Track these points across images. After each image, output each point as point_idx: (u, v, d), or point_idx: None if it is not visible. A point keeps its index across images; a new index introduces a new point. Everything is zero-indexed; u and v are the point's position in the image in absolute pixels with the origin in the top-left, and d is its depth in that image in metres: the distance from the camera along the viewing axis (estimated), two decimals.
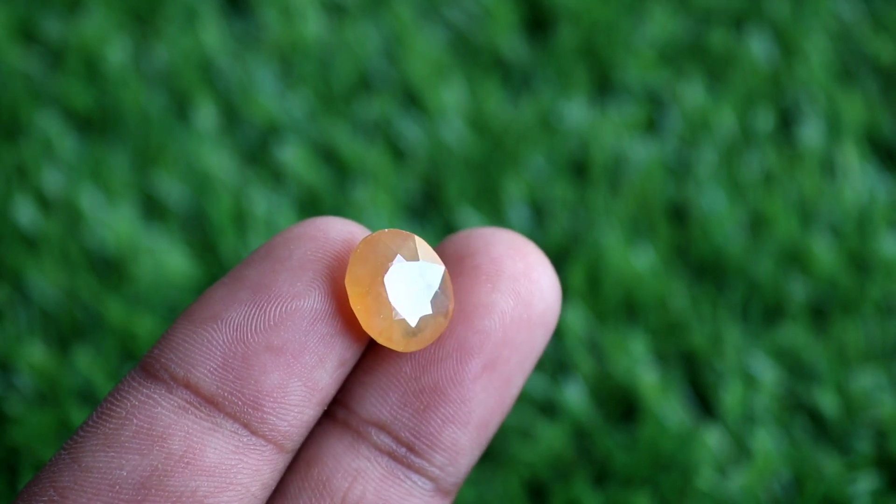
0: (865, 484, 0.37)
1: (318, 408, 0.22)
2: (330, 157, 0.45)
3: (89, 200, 0.43)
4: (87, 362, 0.40)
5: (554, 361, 0.40)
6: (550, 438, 0.38)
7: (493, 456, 0.39)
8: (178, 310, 0.41)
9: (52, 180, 0.44)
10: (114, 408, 0.22)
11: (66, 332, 0.41)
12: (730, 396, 0.39)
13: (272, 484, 0.22)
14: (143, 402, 0.22)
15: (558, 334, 0.41)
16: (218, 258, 0.43)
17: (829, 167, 0.44)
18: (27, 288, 0.42)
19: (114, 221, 0.43)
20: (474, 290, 0.22)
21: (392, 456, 0.23)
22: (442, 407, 0.22)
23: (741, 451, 0.38)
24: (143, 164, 0.44)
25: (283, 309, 0.21)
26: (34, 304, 0.41)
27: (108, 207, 0.43)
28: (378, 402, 0.23)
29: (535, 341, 0.23)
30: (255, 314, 0.22)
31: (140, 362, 0.22)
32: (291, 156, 0.44)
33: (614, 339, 0.40)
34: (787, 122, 0.46)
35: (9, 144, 0.45)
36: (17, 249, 0.42)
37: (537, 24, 0.48)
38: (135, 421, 0.21)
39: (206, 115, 0.45)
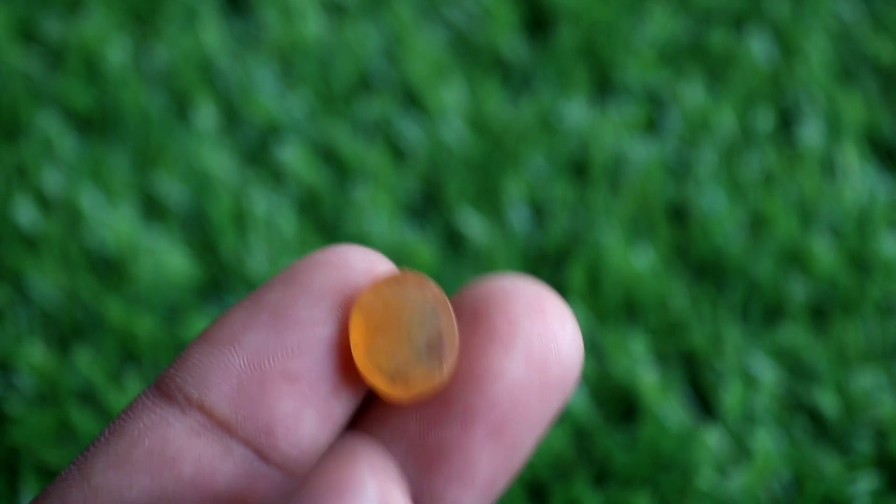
0: (865, 484, 0.37)
1: (331, 437, 0.22)
2: (330, 157, 0.45)
3: (89, 200, 0.43)
4: (87, 362, 0.40)
5: None
6: (550, 438, 0.38)
7: None
8: (179, 310, 0.41)
9: (51, 180, 0.44)
10: (126, 425, 0.22)
11: (66, 332, 0.41)
12: (730, 396, 0.39)
13: None
14: (157, 423, 0.21)
15: None
16: (218, 258, 0.43)
17: (829, 167, 0.44)
18: (27, 288, 0.42)
19: (114, 221, 0.43)
20: (486, 353, 0.22)
21: None
22: (446, 468, 0.22)
23: (741, 451, 0.38)
24: (143, 164, 0.44)
25: (301, 336, 0.21)
26: (34, 304, 0.41)
27: (108, 207, 0.43)
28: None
29: (549, 404, 0.22)
30: (272, 339, 0.21)
31: (156, 381, 0.22)
32: (291, 156, 0.44)
33: (614, 339, 0.40)
34: (787, 122, 0.46)
35: (9, 144, 0.45)
36: (17, 249, 0.42)
37: (537, 24, 0.48)
38: (147, 441, 0.21)
39: (206, 115, 0.45)
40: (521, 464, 0.23)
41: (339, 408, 0.22)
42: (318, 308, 0.21)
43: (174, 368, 0.22)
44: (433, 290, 0.22)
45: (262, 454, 0.22)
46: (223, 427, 0.21)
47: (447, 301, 0.22)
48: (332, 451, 0.21)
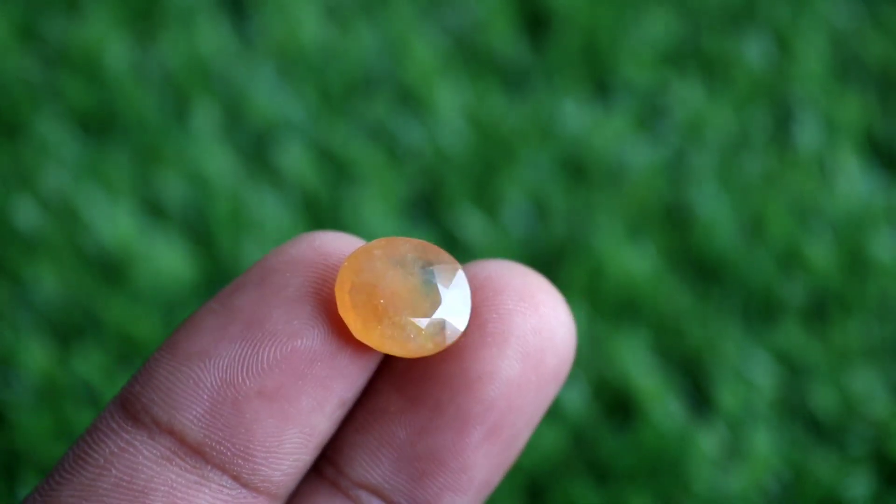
0: (862, 483, 0.38)
1: (315, 452, 0.20)
2: (329, 158, 0.45)
3: (89, 201, 0.43)
4: (87, 362, 0.40)
5: None
6: (548, 438, 0.38)
7: None
8: (178, 310, 0.41)
9: (51, 181, 0.44)
10: (92, 453, 0.20)
11: (66, 332, 0.41)
12: (728, 396, 0.39)
13: None
14: (123, 450, 0.20)
15: None
16: (217, 259, 0.43)
17: (826, 169, 0.44)
18: (27, 288, 0.42)
19: (113, 222, 0.43)
20: (479, 353, 0.20)
21: None
22: (440, 475, 0.21)
23: (738, 450, 0.38)
24: (143, 164, 0.44)
25: (279, 350, 0.19)
26: (34, 304, 0.41)
27: (108, 208, 0.43)
28: (370, 466, 0.21)
29: (545, 397, 0.21)
30: (247, 354, 0.19)
31: (120, 397, 0.20)
32: (290, 156, 0.44)
33: (613, 339, 0.40)
34: (784, 124, 0.46)
35: (9, 145, 0.45)
36: (17, 250, 0.42)
37: (536, 24, 0.48)
38: (113, 471, 0.20)
39: (205, 115, 0.45)
40: (515, 458, 0.21)
41: (325, 422, 0.20)
42: (296, 318, 0.20)
43: (140, 384, 0.20)
44: (411, 242, 0.20)
45: (240, 480, 0.20)
46: (196, 452, 0.20)
47: (424, 243, 0.21)
48: None
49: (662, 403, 0.39)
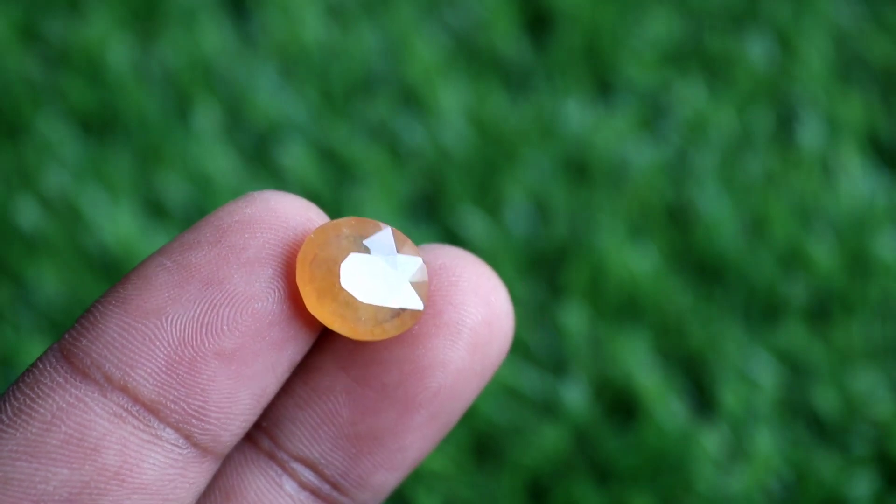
0: (864, 483, 0.38)
1: (259, 412, 0.20)
2: (330, 158, 0.45)
3: (90, 201, 0.43)
4: None
5: (554, 361, 0.40)
6: (550, 438, 0.38)
7: (493, 456, 0.39)
8: None
9: (53, 181, 0.44)
10: (36, 407, 0.19)
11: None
12: (730, 396, 0.39)
13: (203, 490, 0.20)
14: (73, 406, 0.19)
15: (559, 334, 0.41)
16: None
17: (828, 168, 0.44)
18: (28, 288, 0.42)
19: (115, 222, 0.43)
20: (431, 342, 0.20)
21: (315, 493, 0.21)
22: (378, 454, 0.21)
23: (741, 450, 0.38)
24: (145, 164, 0.44)
25: (239, 312, 0.19)
26: (35, 304, 0.42)
27: (109, 208, 0.43)
28: (309, 442, 0.21)
29: (484, 383, 0.22)
30: (205, 314, 0.19)
31: (61, 348, 0.19)
32: (292, 156, 0.44)
33: (615, 339, 0.40)
34: (786, 124, 0.46)
35: (10, 145, 0.45)
36: (19, 250, 0.42)
37: (537, 24, 0.48)
38: (63, 427, 0.19)
39: (207, 116, 0.45)
40: (443, 438, 0.22)
41: (274, 384, 0.20)
42: (257, 280, 0.19)
43: (88, 339, 0.19)
44: (379, 227, 0.20)
45: (192, 439, 0.20)
46: (150, 411, 0.19)
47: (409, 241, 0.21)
48: None
49: (664, 403, 0.39)
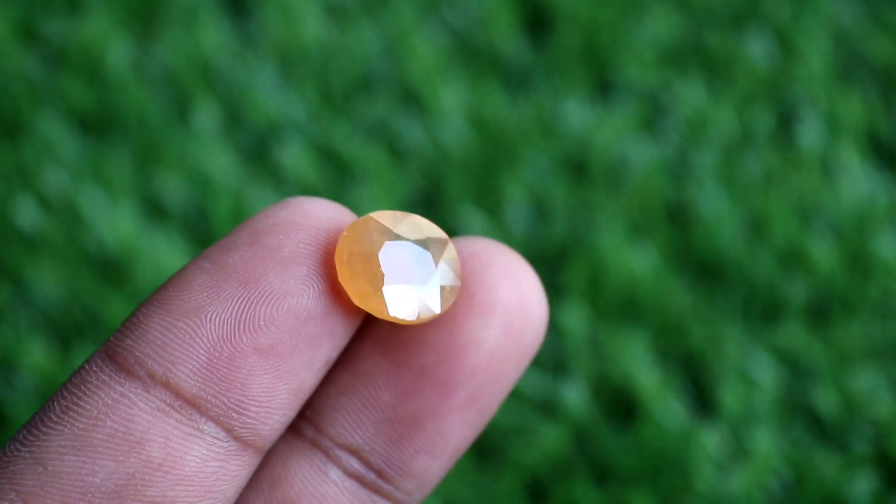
0: (864, 483, 0.38)
1: (298, 408, 0.21)
2: (330, 158, 0.45)
3: (90, 201, 0.43)
4: None
5: (554, 361, 0.40)
6: (550, 438, 0.38)
7: (493, 456, 0.39)
8: None
9: (52, 180, 0.44)
10: (83, 404, 0.20)
11: (66, 332, 0.41)
12: (729, 396, 0.39)
13: (245, 484, 0.21)
14: (118, 402, 0.20)
15: (558, 334, 0.41)
16: None
17: (828, 168, 0.44)
18: (28, 288, 0.42)
19: (114, 222, 0.43)
20: (466, 322, 0.21)
21: (360, 481, 0.22)
22: (418, 438, 0.22)
23: (741, 450, 0.38)
24: (144, 164, 0.44)
25: (275, 308, 0.20)
26: (35, 304, 0.42)
27: (109, 208, 0.43)
28: (352, 428, 0.22)
29: (520, 368, 0.22)
30: (243, 311, 0.20)
31: (106, 350, 0.20)
32: (291, 156, 0.44)
33: (614, 339, 0.40)
34: (786, 123, 0.46)
35: (10, 144, 0.45)
36: (18, 249, 0.42)
37: (537, 24, 0.48)
38: (108, 422, 0.20)
39: (206, 115, 0.45)
40: (484, 427, 0.23)
41: (312, 379, 0.21)
42: (292, 277, 0.20)
43: (131, 339, 0.20)
44: (408, 216, 0.21)
45: (232, 433, 0.20)
46: (191, 405, 0.20)
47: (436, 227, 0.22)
48: None
49: (664, 403, 0.39)
